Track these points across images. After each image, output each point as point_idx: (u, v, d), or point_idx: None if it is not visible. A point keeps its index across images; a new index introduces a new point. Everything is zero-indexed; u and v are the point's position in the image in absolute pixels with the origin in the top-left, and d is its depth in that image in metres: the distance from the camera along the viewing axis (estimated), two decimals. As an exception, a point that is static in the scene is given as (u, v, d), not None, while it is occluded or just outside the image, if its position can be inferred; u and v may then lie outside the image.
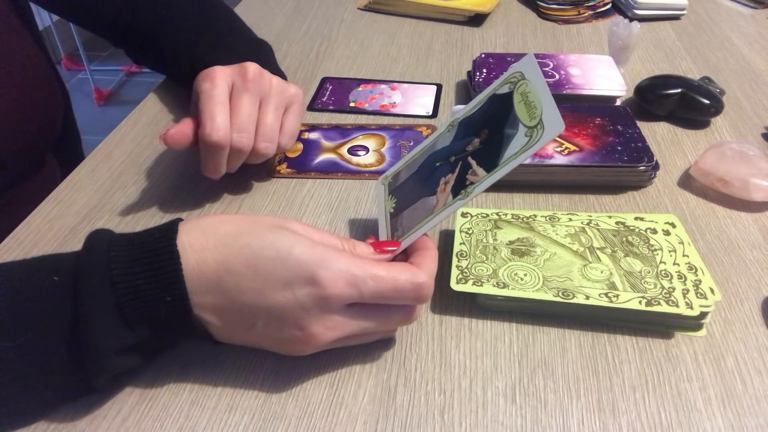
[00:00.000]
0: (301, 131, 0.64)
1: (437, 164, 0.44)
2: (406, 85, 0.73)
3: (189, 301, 0.35)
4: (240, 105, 0.50)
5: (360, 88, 0.73)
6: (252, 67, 0.52)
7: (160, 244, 0.36)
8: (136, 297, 0.34)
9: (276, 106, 0.53)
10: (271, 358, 0.40)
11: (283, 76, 0.61)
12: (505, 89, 0.42)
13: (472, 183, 0.41)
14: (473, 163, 0.41)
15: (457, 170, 0.42)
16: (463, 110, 0.45)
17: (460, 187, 0.41)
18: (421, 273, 0.37)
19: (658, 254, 0.46)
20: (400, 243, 0.42)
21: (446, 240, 0.50)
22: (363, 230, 0.52)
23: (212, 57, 0.57)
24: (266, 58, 0.63)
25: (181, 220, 0.38)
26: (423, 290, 0.37)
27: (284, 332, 0.37)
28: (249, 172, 0.57)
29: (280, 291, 0.35)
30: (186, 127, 0.50)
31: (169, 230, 0.36)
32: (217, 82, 0.50)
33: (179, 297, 0.35)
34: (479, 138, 0.42)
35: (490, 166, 0.40)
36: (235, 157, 0.51)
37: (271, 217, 0.39)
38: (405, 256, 0.41)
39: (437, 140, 0.46)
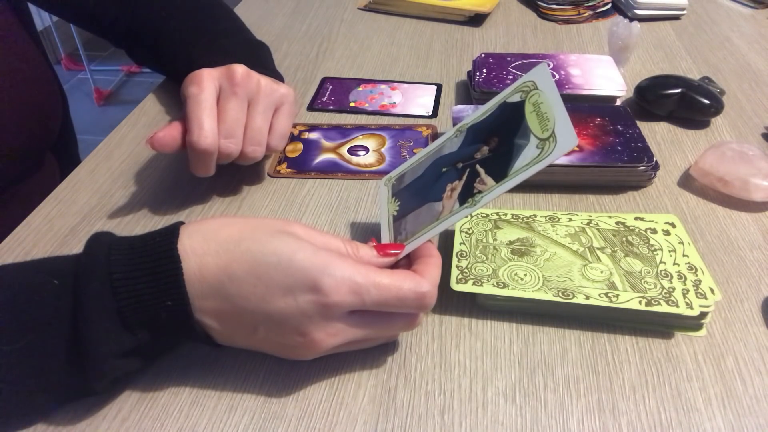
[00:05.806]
0: (301, 131, 0.64)
1: (444, 169, 0.44)
2: (406, 85, 0.73)
3: (189, 306, 0.35)
4: (227, 110, 0.50)
5: (360, 88, 0.72)
6: (239, 69, 0.51)
7: (161, 248, 0.35)
8: (136, 301, 0.34)
9: (264, 108, 0.52)
10: (271, 358, 0.40)
11: (279, 77, 0.61)
12: (516, 98, 0.41)
13: (480, 191, 0.40)
14: (481, 171, 0.41)
15: (464, 177, 0.42)
16: (472, 115, 0.44)
17: (467, 195, 0.41)
18: (425, 282, 0.37)
19: (658, 254, 0.46)
20: (404, 246, 0.41)
21: (446, 240, 0.50)
22: (363, 230, 0.52)
23: (207, 59, 0.56)
24: (262, 59, 0.63)
25: (182, 223, 0.38)
26: (426, 299, 0.37)
27: (286, 338, 0.36)
28: (249, 172, 0.57)
29: (281, 297, 0.35)
30: (174, 130, 0.50)
31: (170, 234, 0.36)
32: (205, 85, 0.49)
33: (180, 301, 0.35)
34: (488, 146, 0.42)
35: (499, 175, 0.40)
36: (223, 159, 0.51)
37: (273, 220, 0.39)
38: (408, 262, 0.41)
39: (444, 145, 0.45)
